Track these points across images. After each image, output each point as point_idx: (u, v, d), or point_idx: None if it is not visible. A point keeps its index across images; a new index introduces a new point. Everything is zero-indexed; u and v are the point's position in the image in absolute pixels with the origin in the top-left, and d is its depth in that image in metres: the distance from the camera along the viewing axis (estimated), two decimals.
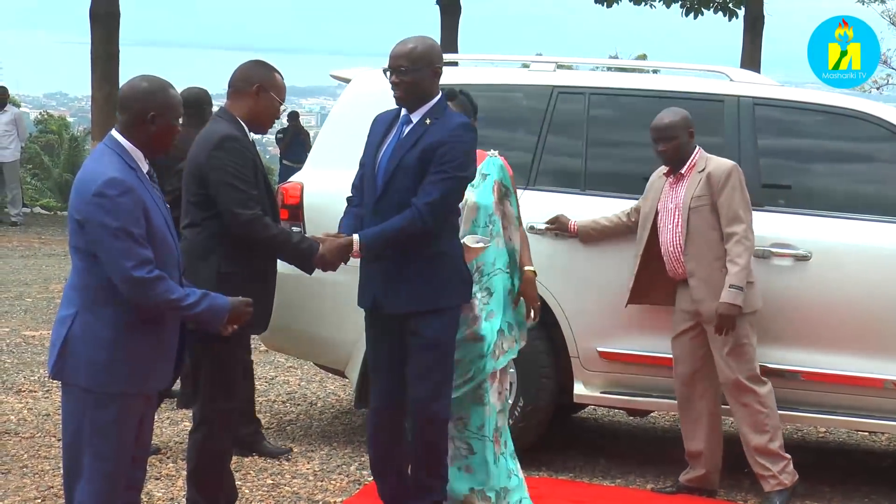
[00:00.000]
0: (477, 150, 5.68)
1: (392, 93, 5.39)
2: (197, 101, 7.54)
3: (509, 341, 5.87)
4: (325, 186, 7.01)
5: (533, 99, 7.24)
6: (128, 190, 4.32)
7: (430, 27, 24.65)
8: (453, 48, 22.49)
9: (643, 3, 22.35)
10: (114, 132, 4.60)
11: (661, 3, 22.05)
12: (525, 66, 7.63)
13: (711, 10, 21.86)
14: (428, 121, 5.32)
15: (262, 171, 5.41)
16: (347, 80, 7.62)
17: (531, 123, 7.13)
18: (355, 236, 5.26)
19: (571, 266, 6.72)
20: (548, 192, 6.98)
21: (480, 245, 5.69)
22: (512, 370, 6.30)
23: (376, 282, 5.38)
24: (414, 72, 5.25)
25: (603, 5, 22.28)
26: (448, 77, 7.51)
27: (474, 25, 27.09)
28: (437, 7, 23.90)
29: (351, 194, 5.65)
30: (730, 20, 21.81)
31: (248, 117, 5.39)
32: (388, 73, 5.35)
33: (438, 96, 5.41)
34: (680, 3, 21.82)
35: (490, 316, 5.75)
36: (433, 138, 5.25)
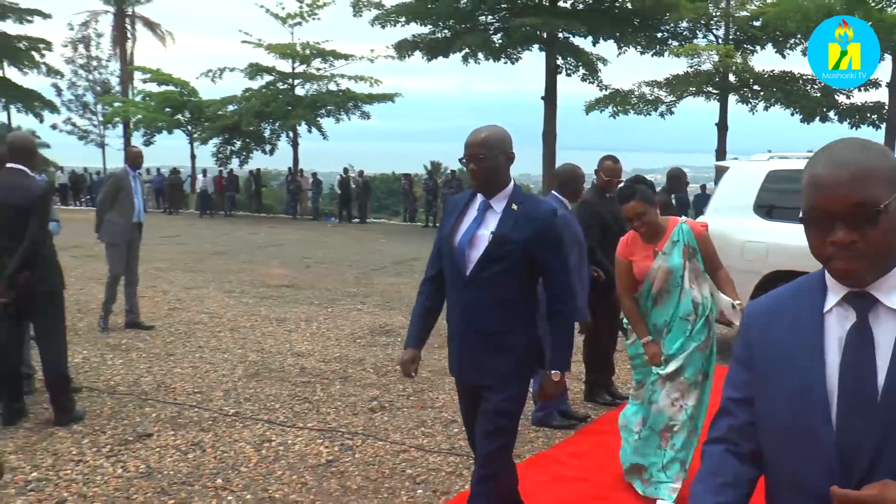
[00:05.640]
0: (669, 218, 5.25)
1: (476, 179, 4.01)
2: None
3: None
4: (722, 224, 8.38)
5: None
6: (564, 216, 4.63)
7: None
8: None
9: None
10: (553, 191, 6.21)
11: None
12: None
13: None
14: (514, 206, 3.95)
15: None
16: (726, 168, 9.08)
17: None
18: (554, 372, 4.05)
19: None
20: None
21: (734, 311, 4.99)
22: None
23: (457, 354, 4.14)
24: (491, 159, 3.89)
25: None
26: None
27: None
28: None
29: (429, 274, 4.24)
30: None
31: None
32: (464, 162, 3.99)
33: (512, 182, 4.04)
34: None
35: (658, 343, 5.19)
36: (534, 225, 3.91)
